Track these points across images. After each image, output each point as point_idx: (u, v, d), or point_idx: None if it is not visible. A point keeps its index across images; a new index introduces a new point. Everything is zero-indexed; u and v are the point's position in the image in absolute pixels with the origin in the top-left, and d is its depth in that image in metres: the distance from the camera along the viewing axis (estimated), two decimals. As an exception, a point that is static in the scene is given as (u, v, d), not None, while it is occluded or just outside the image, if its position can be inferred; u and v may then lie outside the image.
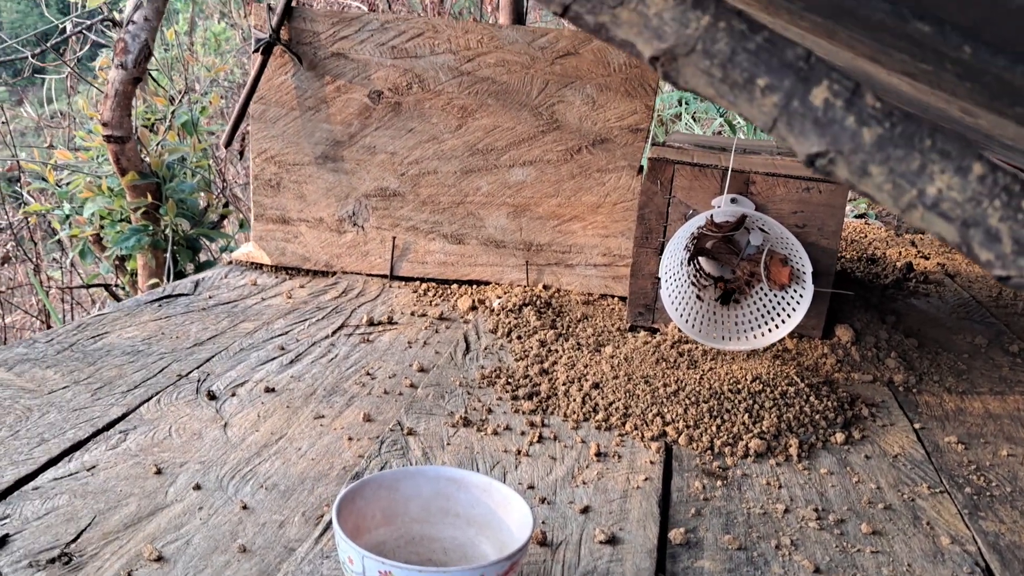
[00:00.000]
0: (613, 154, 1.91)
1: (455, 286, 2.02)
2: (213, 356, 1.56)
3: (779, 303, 1.60)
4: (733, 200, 1.66)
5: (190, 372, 1.48)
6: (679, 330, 1.68)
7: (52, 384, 1.40)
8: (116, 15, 3.56)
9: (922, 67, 0.71)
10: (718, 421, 1.32)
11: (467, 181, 1.97)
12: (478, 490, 0.95)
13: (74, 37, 4.16)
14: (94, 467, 1.16)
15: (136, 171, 2.98)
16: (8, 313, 4.46)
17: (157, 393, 1.39)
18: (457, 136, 1.94)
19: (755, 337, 1.58)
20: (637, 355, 1.56)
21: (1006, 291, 2.31)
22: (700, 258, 1.70)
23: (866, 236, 2.96)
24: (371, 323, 1.76)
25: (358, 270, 2.06)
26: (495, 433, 1.30)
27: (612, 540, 1.02)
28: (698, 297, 1.67)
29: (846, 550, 1.04)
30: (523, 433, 1.30)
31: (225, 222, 3.80)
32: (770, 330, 1.57)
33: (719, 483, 1.18)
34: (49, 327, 3.74)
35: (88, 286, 3.73)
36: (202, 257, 3.41)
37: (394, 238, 2.02)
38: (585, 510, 1.09)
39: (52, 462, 1.16)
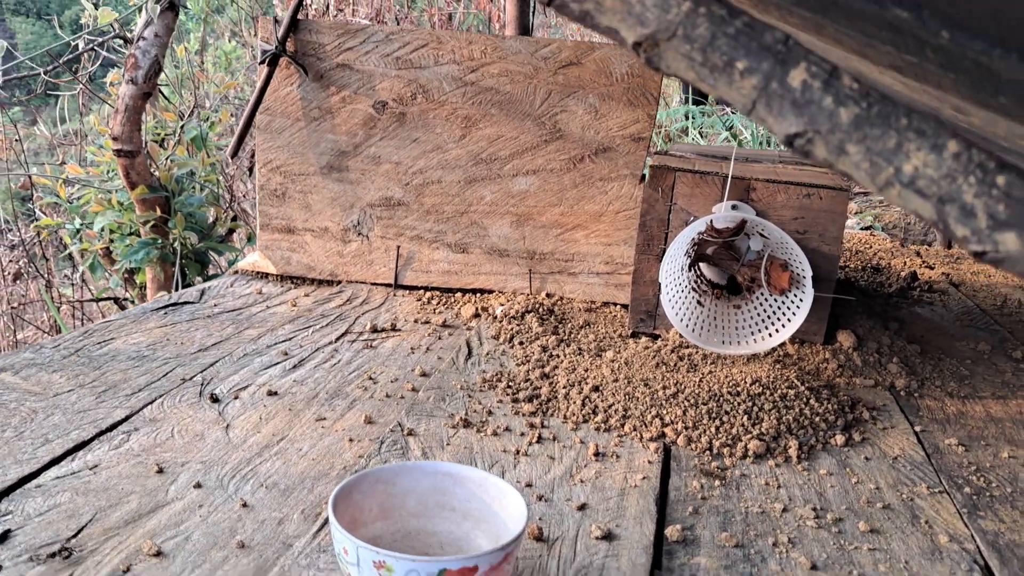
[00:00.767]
0: (615, 163, 1.93)
1: (459, 295, 2.04)
2: (217, 361, 1.57)
3: (780, 308, 1.61)
4: (734, 207, 1.67)
5: (194, 376, 1.49)
6: (680, 336, 1.69)
7: (57, 387, 1.42)
8: (127, 33, 3.60)
9: (907, 59, 0.72)
10: (717, 423, 1.32)
11: (471, 190, 1.99)
12: (474, 485, 0.96)
13: (86, 55, 4.22)
14: (96, 466, 1.17)
15: (145, 185, 3.01)
16: (20, 329, 4.50)
17: (161, 396, 1.40)
18: (461, 146, 1.96)
19: (755, 342, 1.58)
20: (637, 359, 1.57)
21: (1011, 300, 2.31)
22: (701, 264, 1.71)
23: (871, 247, 2.96)
24: (374, 330, 1.77)
25: (363, 279, 2.07)
26: (494, 434, 1.30)
27: (608, 536, 1.02)
28: (699, 303, 1.67)
29: (844, 548, 1.04)
30: (522, 434, 1.31)
31: (233, 236, 3.83)
32: (770, 335, 1.58)
33: (717, 483, 1.19)
34: (59, 341, 3.76)
35: (98, 300, 3.76)
36: (210, 270, 3.43)
37: (398, 247, 2.04)
38: (582, 507, 1.09)
39: (55, 461, 1.17)
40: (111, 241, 3.29)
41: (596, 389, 1.45)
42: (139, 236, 3.14)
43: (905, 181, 0.51)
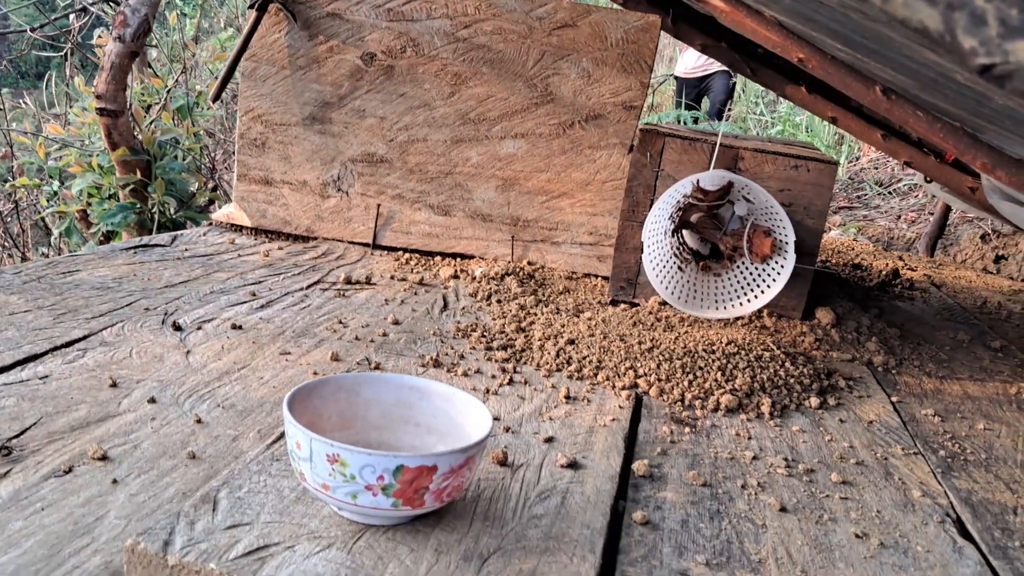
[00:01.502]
0: (605, 131, 1.90)
1: (438, 258, 2.00)
2: (182, 296, 1.52)
3: (760, 274, 1.58)
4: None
5: (158, 308, 1.45)
6: (660, 305, 1.66)
7: (14, 307, 1.37)
8: (118, -7, 3.55)
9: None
10: (690, 377, 1.29)
11: (457, 151, 1.95)
12: (440, 399, 0.92)
13: (75, 16, 4.16)
14: (47, 376, 1.12)
15: (127, 147, 2.95)
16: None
17: (121, 322, 1.36)
18: (449, 104, 1.93)
19: (734, 307, 1.56)
20: (615, 318, 1.54)
21: (991, 299, 2.30)
22: (684, 231, 1.68)
23: (853, 249, 2.95)
24: (348, 281, 1.73)
25: (340, 237, 2.03)
26: (465, 374, 1.27)
27: (574, 465, 0.99)
28: (679, 268, 1.64)
29: (815, 495, 1.01)
30: (493, 376, 1.27)
31: (213, 207, 3.78)
32: (749, 300, 1.55)
33: (687, 430, 1.16)
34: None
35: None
36: (187, 237, 3.37)
37: (379, 206, 2.00)
38: (549, 440, 1.06)
39: (3, 370, 1.13)
40: (88, 204, 3.23)
41: (571, 342, 1.42)
42: (118, 200, 3.08)
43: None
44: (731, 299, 1.59)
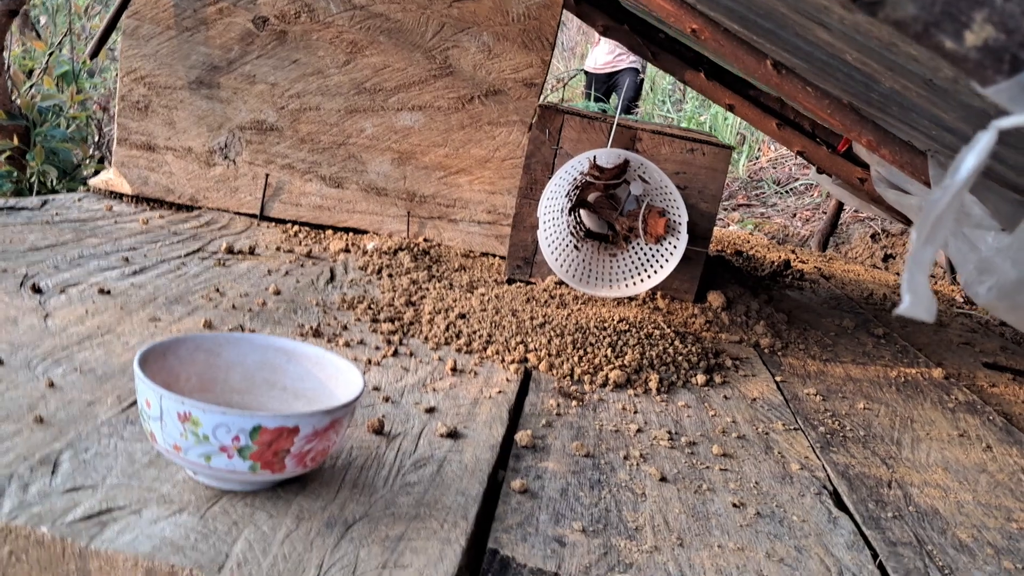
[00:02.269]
0: (505, 107, 1.87)
1: (329, 232, 1.93)
2: (47, 260, 1.42)
3: (654, 256, 1.58)
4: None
5: (17, 270, 1.34)
6: (555, 284, 1.64)
7: None
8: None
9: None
10: (581, 352, 1.27)
11: (351, 121, 1.89)
12: (309, 362, 0.87)
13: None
14: None
15: (3, 110, 2.77)
16: None
17: (-27, 282, 1.25)
18: (344, 72, 1.86)
19: (628, 286, 1.55)
20: (508, 295, 1.51)
21: (877, 291, 2.37)
22: (581, 210, 1.67)
23: (748, 242, 3.01)
24: (230, 251, 1.65)
25: (226, 207, 1.94)
26: (347, 345, 1.21)
27: (454, 435, 0.95)
28: (575, 247, 1.63)
29: (695, 466, 1.00)
30: (377, 348, 1.23)
31: (99, 179, 3.58)
32: (642, 280, 1.54)
33: (574, 403, 1.13)
34: None
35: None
36: (68, 209, 3.19)
37: (267, 175, 1.92)
38: (431, 410, 1.02)
39: None
40: (-40, 171, 3.02)
41: (462, 316, 1.38)
42: (-8, 166, 2.89)
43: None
44: (625, 278, 1.58)
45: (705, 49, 1.63)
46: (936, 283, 2.90)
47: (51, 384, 0.97)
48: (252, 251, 1.67)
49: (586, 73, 6.36)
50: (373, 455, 0.88)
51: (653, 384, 1.24)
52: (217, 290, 1.40)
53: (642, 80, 6.18)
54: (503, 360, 1.24)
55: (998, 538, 0.94)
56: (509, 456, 0.94)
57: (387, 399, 1.03)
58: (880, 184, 1.67)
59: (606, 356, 1.27)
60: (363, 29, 1.84)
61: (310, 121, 1.89)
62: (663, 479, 0.95)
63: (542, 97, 1.86)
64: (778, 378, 1.40)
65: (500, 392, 1.12)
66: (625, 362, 1.27)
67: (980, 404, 1.44)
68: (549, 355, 1.26)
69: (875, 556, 0.85)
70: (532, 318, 1.37)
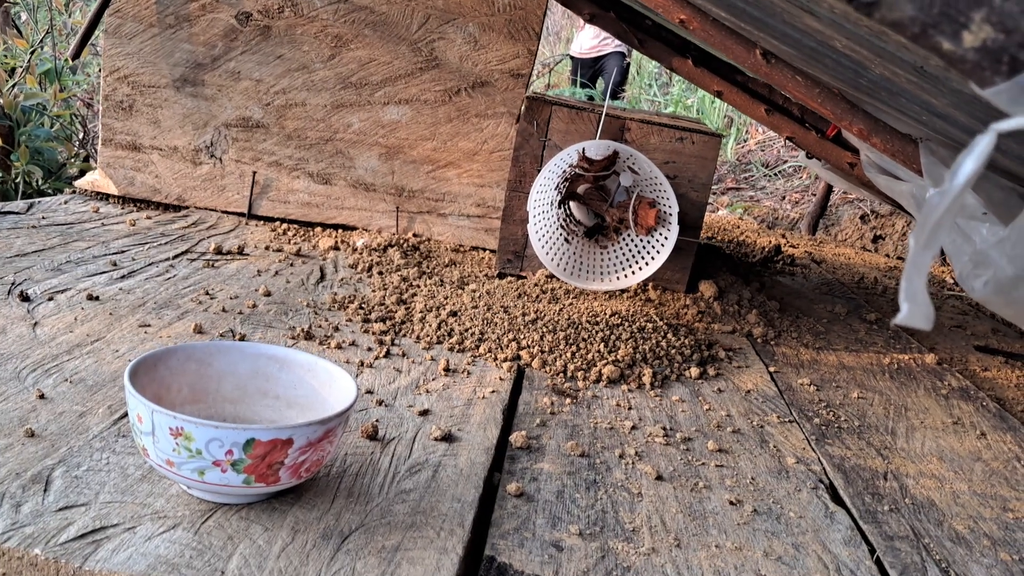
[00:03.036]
0: (493, 99, 1.86)
1: (318, 229, 1.92)
2: (34, 265, 1.41)
3: (645, 248, 1.57)
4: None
5: (4, 277, 1.33)
6: (546, 278, 1.64)
7: None
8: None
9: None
10: (573, 348, 1.27)
11: (337, 116, 1.87)
12: (302, 370, 0.87)
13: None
14: None
15: (-14, 109, 2.74)
16: None
17: (-41, 291, 1.24)
18: (329, 67, 1.85)
19: (619, 278, 1.54)
20: (499, 291, 1.50)
21: (868, 275, 2.38)
22: (571, 203, 1.66)
23: (739, 227, 3.00)
24: (219, 252, 1.64)
25: (213, 206, 1.93)
26: (339, 347, 1.21)
27: (448, 438, 0.95)
28: (566, 240, 1.62)
29: (691, 463, 1.00)
30: (369, 349, 1.22)
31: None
32: (634, 272, 1.54)
33: (568, 401, 1.13)
34: None
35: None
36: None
37: (254, 173, 1.91)
38: (424, 413, 1.01)
39: None
40: (-57, 172, 2.98)
41: (454, 314, 1.37)
42: (-25, 166, 2.86)
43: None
44: (616, 271, 1.57)
45: (694, 39, 1.62)
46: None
47: (41, 396, 0.96)
48: (241, 251, 1.66)
49: (571, 58, 6.33)
50: (368, 461, 0.87)
51: (647, 379, 1.23)
52: (207, 293, 1.39)
53: (628, 64, 6.16)
54: (496, 358, 1.24)
55: (994, 529, 0.94)
56: (504, 458, 0.94)
57: (380, 402, 1.02)
58: (870, 169, 1.66)
59: (599, 351, 1.27)
60: (347, 23, 1.82)
61: (296, 117, 1.88)
62: (659, 477, 0.95)
63: (528, 84, 1.85)
64: (771, 368, 1.40)
65: (494, 392, 1.11)
66: (618, 357, 1.26)
67: (973, 390, 1.44)
68: (542, 352, 1.25)
69: (872, 551, 0.85)
70: (524, 314, 1.36)
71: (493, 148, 1.88)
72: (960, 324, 1.98)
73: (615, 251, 1.61)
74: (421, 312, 1.38)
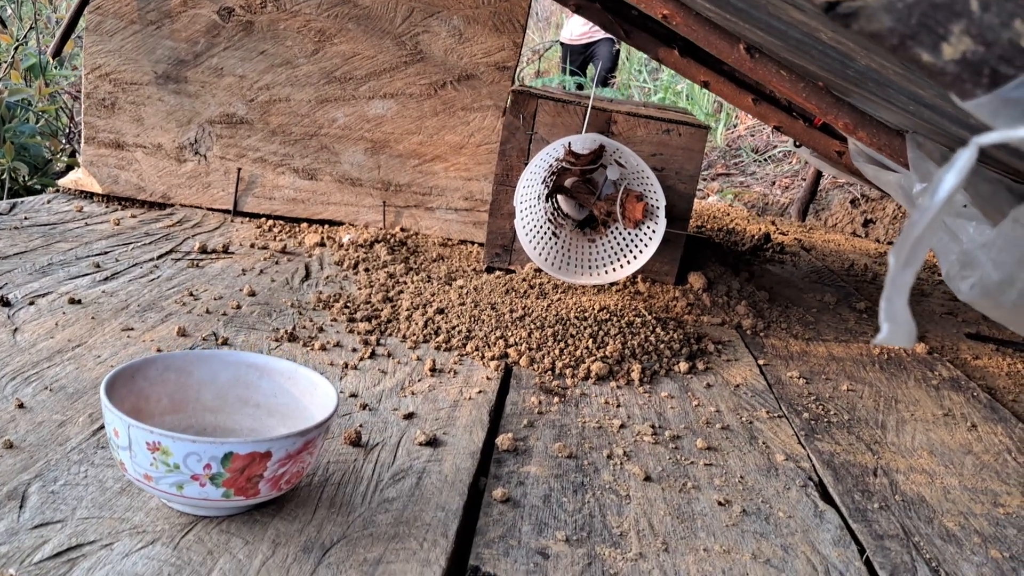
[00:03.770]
0: (479, 92, 1.84)
1: (304, 225, 1.90)
2: (15, 269, 1.39)
3: (633, 241, 1.56)
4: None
5: (-16, 281, 1.31)
6: (534, 272, 1.62)
7: None
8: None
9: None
10: (561, 344, 1.26)
11: (322, 111, 1.85)
12: (282, 377, 0.85)
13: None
14: None
15: (-32, 106, 2.71)
16: None
17: (-62, 297, 1.22)
18: (313, 62, 1.83)
19: (608, 272, 1.53)
20: (487, 286, 1.49)
21: (857, 264, 2.37)
22: (558, 196, 1.65)
23: (728, 215, 2.99)
24: (203, 251, 1.62)
25: (198, 203, 1.91)
26: (323, 348, 1.19)
27: (433, 442, 0.94)
28: (554, 234, 1.61)
29: (679, 462, 0.99)
30: (354, 350, 1.21)
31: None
32: (622, 266, 1.53)
33: (556, 400, 1.12)
34: None
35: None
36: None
37: (239, 169, 1.89)
38: (409, 416, 1.00)
39: None
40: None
41: (440, 312, 1.36)
42: (-42, 162, 2.83)
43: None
44: (605, 265, 1.56)
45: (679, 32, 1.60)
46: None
47: (20, 405, 0.94)
48: (226, 249, 1.65)
49: (562, 45, 6.29)
50: (351, 469, 0.86)
51: (635, 374, 1.22)
52: (191, 294, 1.38)
53: (618, 51, 6.13)
54: (483, 357, 1.23)
55: (985, 525, 0.94)
56: (490, 461, 0.93)
57: (364, 406, 1.01)
58: (858, 158, 1.65)
59: (587, 348, 1.26)
60: (331, 17, 1.80)
61: (280, 113, 1.86)
62: (647, 478, 0.94)
63: (518, 70, 1.83)
64: (761, 361, 1.40)
65: (480, 392, 1.10)
66: (607, 353, 1.25)
67: (964, 380, 1.43)
68: (529, 349, 1.24)
69: (862, 551, 0.84)
70: (512, 311, 1.35)
71: (480, 141, 1.87)
72: (951, 311, 1.98)
73: (603, 245, 1.60)
74: (407, 310, 1.37)
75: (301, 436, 0.72)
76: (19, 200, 1.83)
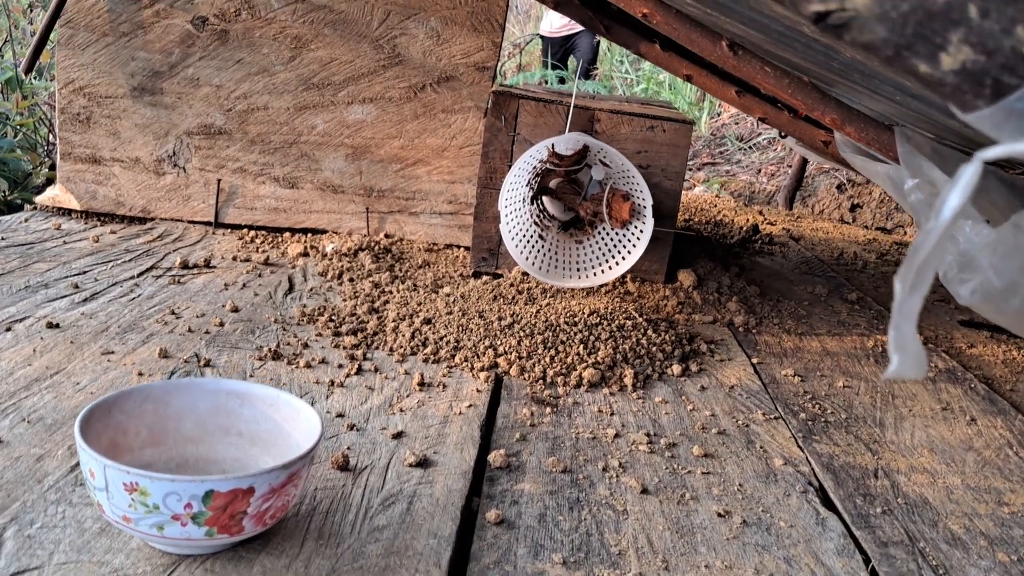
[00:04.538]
0: (459, 93, 1.81)
1: (287, 234, 1.87)
2: (-9, 293, 1.36)
3: (621, 241, 1.54)
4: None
5: (-42, 308, 1.28)
6: (522, 276, 1.60)
7: None
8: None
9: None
10: (552, 352, 1.24)
11: (301, 118, 1.82)
12: (264, 404, 0.83)
13: None
14: None
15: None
16: None
17: (-89, 327, 1.19)
18: (290, 69, 1.79)
19: (596, 274, 1.51)
20: (474, 293, 1.46)
21: (847, 253, 2.35)
22: (544, 198, 1.62)
23: (716, 206, 2.97)
24: (185, 266, 1.59)
25: (179, 216, 1.88)
26: (308, 366, 1.17)
27: (424, 463, 0.91)
28: (540, 237, 1.58)
29: (676, 472, 0.97)
30: (340, 366, 1.18)
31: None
32: (610, 267, 1.51)
33: (548, 410, 1.10)
34: None
35: None
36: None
37: (219, 181, 1.85)
38: (398, 435, 0.98)
39: None
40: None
41: (428, 322, 1.34)
42: (-67, 179, 2.78)
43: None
44: (593, 266, 1.54)
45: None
46: (906, 234, 2.89)
47: (-3, 440, 0.91)
48: (208, 263, 1.61)
49: (542, 38, 6.25)
50: (339, 495, 0.84)
51: (628, 380, 1.20)
52: (172, 312, 1.35)
53: (599, 42, 6.10)
54: (472, 368, 1.20)
55: (990, 526, 0.92)
56: (483, 480, 0.91)
57: (352, 427, 0.99)
58: (845, 149, 1.63)
59: (578, 354, 1.23)
60: (306, 23, 1.77)
61: (259, 121, 1.82)
62: (644, 491, 0.92)
63: (500, 65, 1.80)
64: (754, 360, 1.38)
65: (471, 406, 1.08)
66: (598, 359, 1.23)
67: (960, 371, 1.42)
68: (520, 358, 1.22)
69: (867, 561, 0.83)
70: (500, 318, 1.32)
71: (462, 143, 1.84)
72: (943, 297, 1.96)
73: (591, 246, 1.58)
74: (394, 321, 1.34)
75: (284, 469, 0.69)
76: (-5, 220, 1.79)
